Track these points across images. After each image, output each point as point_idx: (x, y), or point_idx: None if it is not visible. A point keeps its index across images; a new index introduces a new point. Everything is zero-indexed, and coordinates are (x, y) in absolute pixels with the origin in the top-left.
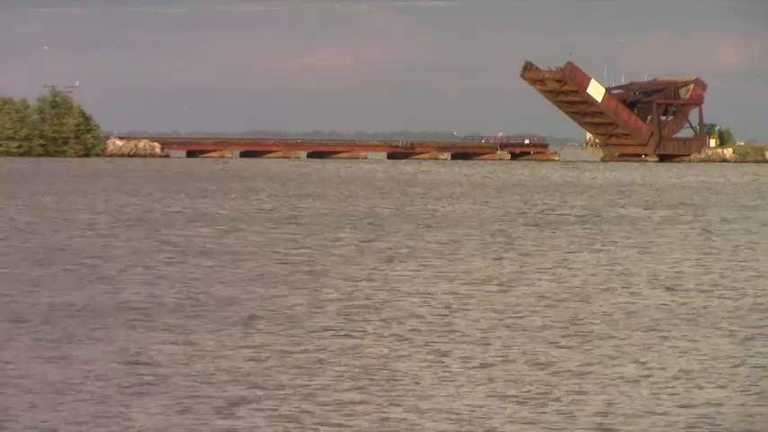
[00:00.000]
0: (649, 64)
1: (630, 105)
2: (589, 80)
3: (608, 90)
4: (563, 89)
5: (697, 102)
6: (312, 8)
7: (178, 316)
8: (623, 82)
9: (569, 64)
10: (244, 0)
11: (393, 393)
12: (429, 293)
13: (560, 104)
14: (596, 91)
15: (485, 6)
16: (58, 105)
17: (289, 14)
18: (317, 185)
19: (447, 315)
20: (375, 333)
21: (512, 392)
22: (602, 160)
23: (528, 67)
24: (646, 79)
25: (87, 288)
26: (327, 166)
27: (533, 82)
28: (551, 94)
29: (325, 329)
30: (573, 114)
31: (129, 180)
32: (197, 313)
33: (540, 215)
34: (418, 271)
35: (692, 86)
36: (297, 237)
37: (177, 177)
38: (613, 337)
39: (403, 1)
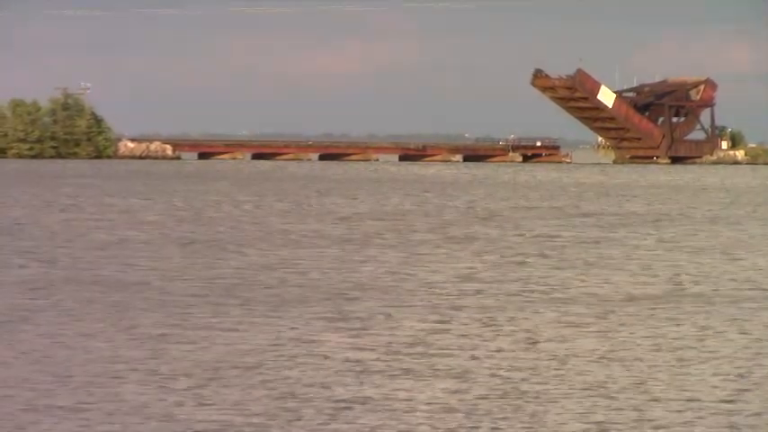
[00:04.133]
0: (661, 65)
1: (642, 108)
2: (599, 86)
3: (619, 94)
4: (573, 96)
5: (708, 103)
6: (323, 9)
7: None
8: (635, 83)
9: (579, 71)
10: (256, 2)
11: None
12: None
13: (571, 110)
14: (606, 97)
15: (496, 7)
16: (69, 107)
17: (300, 16)
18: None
19: None
20: None
21: None
22: (614, 162)
23: (538, 74)
24: (656, 80)
25: None
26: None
27: (544, 89)
28: (562, 101)
29: None
30: (584, 119)
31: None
32: None
33: None
34: None
35: (702, 87)
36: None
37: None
38: None
39: (414, 3)
